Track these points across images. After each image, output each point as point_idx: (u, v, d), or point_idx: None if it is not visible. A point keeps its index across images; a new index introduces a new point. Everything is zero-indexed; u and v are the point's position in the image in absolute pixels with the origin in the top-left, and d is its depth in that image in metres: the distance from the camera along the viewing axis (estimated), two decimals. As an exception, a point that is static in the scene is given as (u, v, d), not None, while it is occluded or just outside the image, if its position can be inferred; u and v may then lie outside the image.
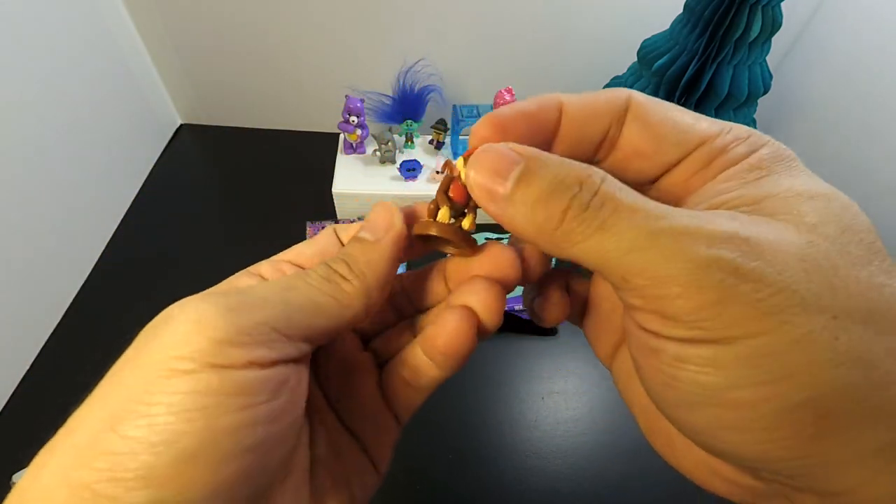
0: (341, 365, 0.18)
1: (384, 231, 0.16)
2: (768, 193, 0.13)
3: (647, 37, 0.49)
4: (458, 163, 0.15)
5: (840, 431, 0.11)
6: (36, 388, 0.43)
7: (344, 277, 0.15)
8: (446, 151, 0.63)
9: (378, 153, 0.59)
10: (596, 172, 0.12)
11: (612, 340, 0.18)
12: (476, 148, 0.14)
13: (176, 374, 0.11)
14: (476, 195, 0.14)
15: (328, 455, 0.16)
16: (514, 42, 0.64)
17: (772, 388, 0.11)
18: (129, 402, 0.11)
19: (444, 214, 0.16)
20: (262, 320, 0.13)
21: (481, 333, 0.16)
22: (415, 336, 0.18)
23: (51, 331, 0.47)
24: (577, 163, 0.13)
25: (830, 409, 0.11)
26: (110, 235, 0.56)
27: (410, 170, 0.57)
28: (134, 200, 0.60)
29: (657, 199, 0.13)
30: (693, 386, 0.12)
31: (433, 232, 0.16)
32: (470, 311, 0.16)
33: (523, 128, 0.14)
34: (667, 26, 0.47)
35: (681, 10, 0.45)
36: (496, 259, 0.16)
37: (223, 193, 0.64)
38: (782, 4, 0.41)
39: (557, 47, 0.65)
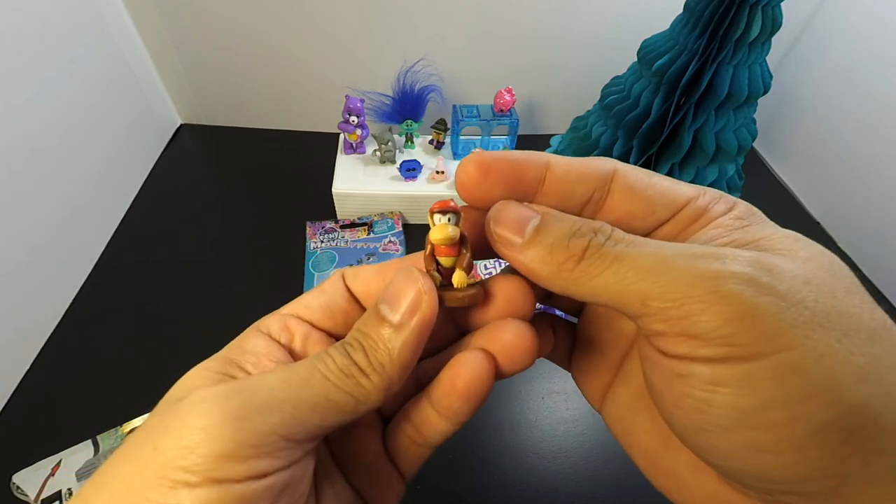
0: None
1: (410, 313, 0.14)
2: (759, 236, 0.13)
3: (647, 37, 0.49)
4: (432, 223, 0.15)
5: (863, 450, 0.11)
6: (36, 389, 0.43)
7: (363, 371, 0.14)
8: (446, 151, 0.63)
9: (378, 153, 0.59)
10: (604, 225, 0.14)
11: (602, 382, 0.18)
12: (446, 202, 0.15)
13: (178, 486, 0.11)
14: (496, 244, 0.14)
15: None
16: (514, 42, 0.64)
17: (804, 407, 0.11)
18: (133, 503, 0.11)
19: (461, 279, 0.15)
20: (271, 430, 0.12)
21: (497, 377, 0.16)
22: (419, 387, 0.18)
23: (51, 331, 0.47)
24: (587, 220, 0.14)
25: (857, 426, 0.11)
26: (110, 235, 0.56)
27: (410, 170, 0.57)
28: (134, 200, 0.60)
29: None
30: (728, 409, 0.11)
31: (461, 305, 0.15)
32: (489, 355, 0.16)
33: (508, 174, 0.15)
34: (667, 26, 0.47)
35: (681, 10, 0.45)
36: (512, 298, 0.16)
37: (223, 193, 0.64)
38: (782, 4, 0.41)
39: (557, 47, 0.65)
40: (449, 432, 0.17)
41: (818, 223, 0.65)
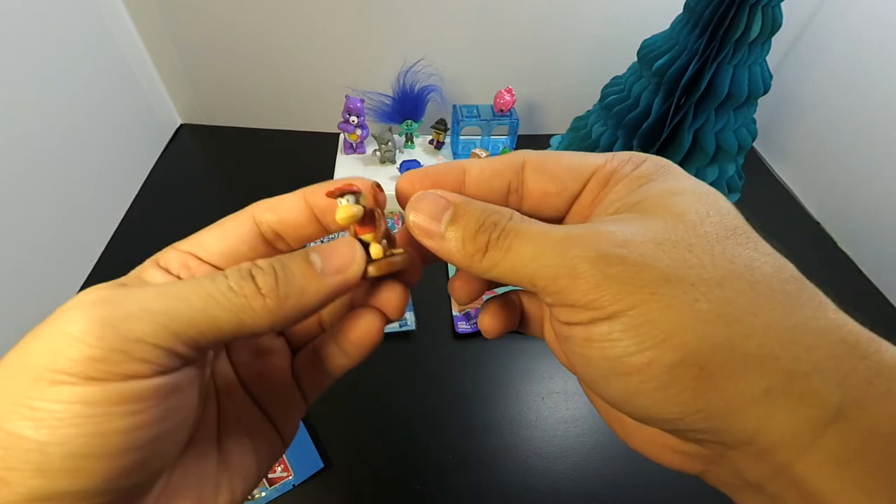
0: (256, 349, 0.19)
1: (336, 273, 0.16)
2: (644, 196, 0.15)
3: (647, 37, 0.49)
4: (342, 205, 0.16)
5: (719, 382, 0.13)
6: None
7: (260, 291, 0.14)
8: (446, 151, 0.63)
9: (378, 153, 0.59)
10: (504, 213, 0.16)
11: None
12: (343, 185, 0.16)
13: (57, 384, 0.12)
14: (416, 234, 0.16)
15: (236, 428, 0.18)
16: (514, 42, 0.64)
17: (654, 352, 0.13)
18: (12, 404, 0.12)
19: (376, 251, 0.17)
20: (138, 338, 0.12)
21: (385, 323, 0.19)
22: (323, 328, 0.20)
23: (51, 331, 0.47)
24: (492, 206, 0.16)
25: (705, 362, 0.13)
26: (110, 235, 0.56)
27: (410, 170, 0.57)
28: (134, 200, 0.60)
29: (572, 223, 0.18)
30: (601, 360, 0.14)
31: (378, 273, 0.17)
32: (380, 311, 0.18)
33: (430, 185, 0.17)
34: (667, 26, 0.47)
35: (681, 10, 0.45)
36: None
37: (223, 193, 0.64)
38: (782, 4, 0.41)
39: (557, 47, 0.65)
40: (348, 367, 0.19)
41: (818, 223, 0.65)
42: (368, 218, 0.17)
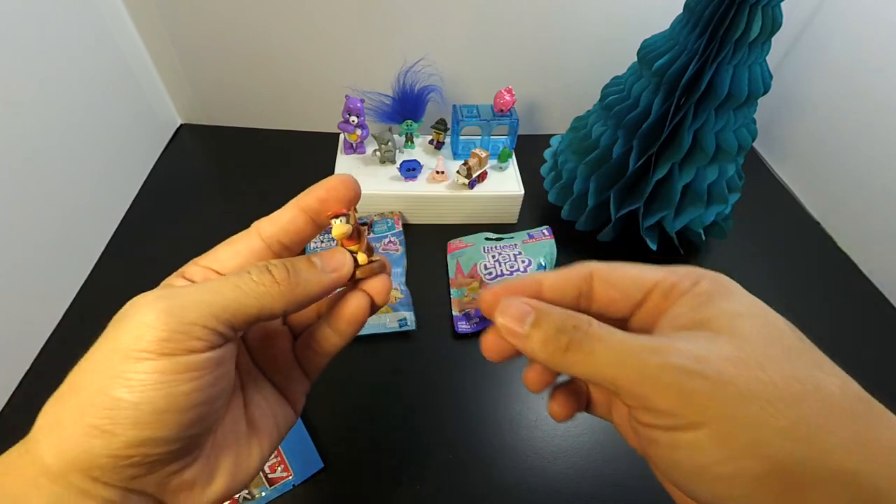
0: (265, 335, 0.23)
1: (332, 270, 0.20)
2: (710, 315, 0.17)
3: (647, 37, 0.49)
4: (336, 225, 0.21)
5: (806, 494, 0.14)
6: (36, 389, 0.43)
7: (275, 280, 0.19)
8: (446, 151, 0.63)
9: (378, 153, 0.59)
10: (582, 318, 0.18)
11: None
12: (338, 209, 0.21)
13: (141, 360, 0.16)
14: (504, 334, 0.19)
15: (258, 398, 0.22)
16: (514, 42, 0.64)
17: (742, 462, 0.14)
18: (111, 377, 0.16)
19: (362, 259, 0.22)
20: (192, 321, 0.17)
21: (372, 310, 0.22)
22: (319, 316, 0.24)
23: (51, 331, 0.47)
24: (570, 311, 0.18)
25: (791, 474, 0.14)
26: (110, 235, 0.56)
27: (410, 170, 0.57)
28: (134, 200, 0.60)
29: (635, 330, 0.20)
30: (690, 466, 0.16)
31: (362, 276, 0.22)
32: (367, 294, 0.22)
33: (511, 295, 0.20)
34: (667, 26, 0.47)
35: (681, 10, 0.45)
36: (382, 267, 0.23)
37: (223, 193, 0.64)
38: (782, 4, 0.41)
39: (557, 47, 0.65)
40: (340, 346, 0.23)
41: (818, 223, 0.65)
42: (355, 234, 0.21)
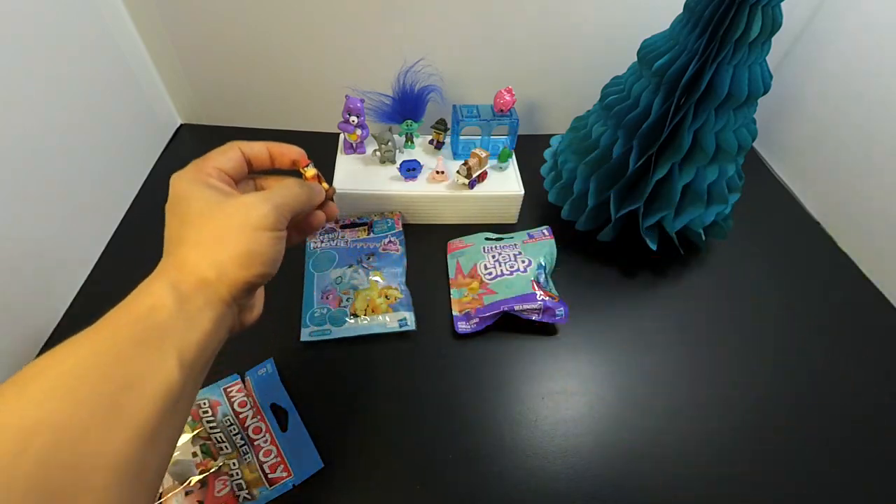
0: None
1: (319, 194, 0.36)
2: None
3: (647, 37, 0.49)
4: (303, 171, 0.37)
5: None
6: (36, 388, 0.43)
7: (311, 192, 0.34)
8: (446, 151, 0.63)
9: (378, 153, 0.59)
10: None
11: None
12: (306, 160, 0.37)
13: (263, 232, 0.29)
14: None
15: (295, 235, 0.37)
16: (514, 42, 0.64)
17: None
18: (248, 240, 0.28)
19: (326, 187, 0.37)
20: (284, 213, 0.30)
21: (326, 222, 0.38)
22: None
23: (51, 331, 0.47)
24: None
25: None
26: (110, 235, 0.56)
27: (410, 170, 0.57)
28: (134, 200, 0.60)
29: None
30: None
31: (327, 196, 0.38)
32: (324, 214, 0.38)
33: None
34: (667, 26, 0.47)
35: (681, 10, 0.45)
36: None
37: (223, 193, 0.64)
38: (782, 4, 0.41)
39: (557, 47, 0.65)
40: (301, 239, 0.38)
41: (818, 223, 0.65)
42: (320, 175, 0.37)
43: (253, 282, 0.28)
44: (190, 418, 0.40)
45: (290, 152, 0.35)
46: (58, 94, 0.48)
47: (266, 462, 0.39)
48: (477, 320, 0.49)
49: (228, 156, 0.32)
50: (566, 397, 0.46)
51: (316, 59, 0.65)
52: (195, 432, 0.40)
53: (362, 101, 0.57)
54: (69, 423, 0.19)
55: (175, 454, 0.39)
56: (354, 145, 0.60)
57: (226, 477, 0.38)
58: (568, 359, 0.49)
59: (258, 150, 0.34)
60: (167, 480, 0.37)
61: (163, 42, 0.62)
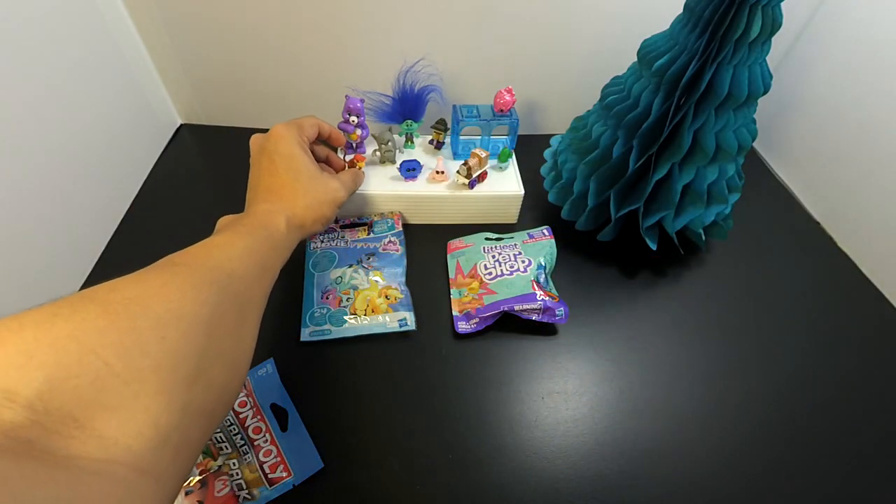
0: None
1: (355, 184, 0.53)
2: None
3: (647, 37, 0.49)
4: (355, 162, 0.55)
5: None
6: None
7: (356, 179, 0.54)
8: (446, 151, 0.63)
9: (378, 153, 0.59)
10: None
11: None
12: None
13: (335, 206, 0.47)
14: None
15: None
16: (514, 42, 0.64)
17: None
18: (322, 203, 0.45)
19: (361, 165, 0.56)
20: (346, 194, 0.48)
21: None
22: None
23: (51, 331, 0.47)
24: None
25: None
26: (110, 235, 0.56)
27: (410, 170, 0.57)
28: (134, 200, 0.60)
29: None
30: None
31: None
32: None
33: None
34: (667, 26, 0.47)
35: (681, 10, 0.45)
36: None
37: (223, 193, 0.64)
38: (782, 4, 0.41)
39: (557, 47, 0.65)
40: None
41: (818, 223, 0.65)
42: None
43: (317, 232, 0.46)
44: None
45: (342, 142, 0.54)
46: (58, 94, 0.48)
47: (266, 462, 0.39)
48: (477, 320, 0.49)
49: (314, 129, 0.49)
50: (566, 397, 0.46)
51: (316, 59, 0.65)
52: None
53: (362, 101, 0.57)
54: (247, 273, 0.34)
55: None
56: (354, 145, 0.60)
57: (226, 477, 0.38)
58: (568, 359, 0.49)
59: (328, 130, 0.51)
60: None
61: (163, 42, 0.62)
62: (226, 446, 0.40)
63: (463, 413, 0.44)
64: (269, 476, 0.39)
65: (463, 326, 0.49)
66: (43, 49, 0.46)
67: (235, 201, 0.64)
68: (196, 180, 0.65)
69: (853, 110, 0.60)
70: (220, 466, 0.39)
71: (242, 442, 0.40)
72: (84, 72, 0.51)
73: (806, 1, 0.65)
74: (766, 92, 0.45)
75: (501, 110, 0.58)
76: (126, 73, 0.59)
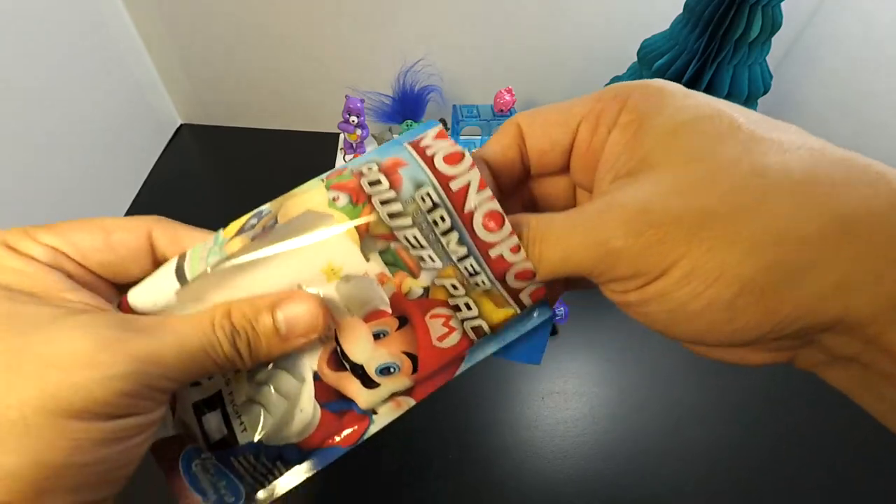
0: None
1: (300, 335, 0.17)
2: (644, 151, 0.15)
3: (647, 37, 0.49)
4: None
5: (786, 296, 0.13)
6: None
7: (242, 358, 0.16)
8: (446, 151, 0.63)
9: (378, 153, 0.59)
10: (521, 222, 0.16)
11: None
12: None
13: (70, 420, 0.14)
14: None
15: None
16: (514, 42, 0.64)
17: (709, 294, 0.14)
18: (87, 401, 0.14)
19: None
20: (159, 382, 0.15)
21: None
22: None
23: (51, 331, 0.47)
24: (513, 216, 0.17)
25: (764, 286, 0.13)
26: (110, 235, 0.56)
27: (410, 170, 0.57)
28: (134, 200, 0.60)
29: (580, 183, 0.19)
30: (662, 314, 0.15)
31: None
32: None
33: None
34: (667, 26, 0.47)
35: (681, 10, 0.45)
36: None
37: (223, 193, 0.64)
38: (782, 4, 0.41)
39: (557, 47, 0.65)
40: None
41: (818, 223, 0.65)
42: None
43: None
44: (338, 196, 0.17)
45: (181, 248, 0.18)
46: (57, 94, 0.48)
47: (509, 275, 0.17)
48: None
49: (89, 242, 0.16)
50: (566, 397, 0.46)
51: (316, 59, 0.65)
52: (364, 220, 0.17)
53: (362, 101, 0.57)
54: None
55: (338, 266, 0.18)
56: (354, 145, 0.60)
57: (444, 309, 0.19)
58: (568, 359, 0.49)
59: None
60: (338, 309, 0.18)
61: (163, 42, 0.62)
62: (429, 255, 0.18)
63: (462, 413, 0.44)
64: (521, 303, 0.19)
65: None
66: (43, 49, 0.46)
67: (235, 201, 0.64)
68: (196, 180, 0.65)
69: (853, 110, 0.60)
70: (426, 290, 0.18)
71: (463, 248, 0.17)
72: (84, 72, 0.51)
73: (806, 1, 0.65)
74: (766, 92, 0.45)
75: (501, 110, 0.58)
76: (126, 73, 0.59)
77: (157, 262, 0.17)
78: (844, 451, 0.43)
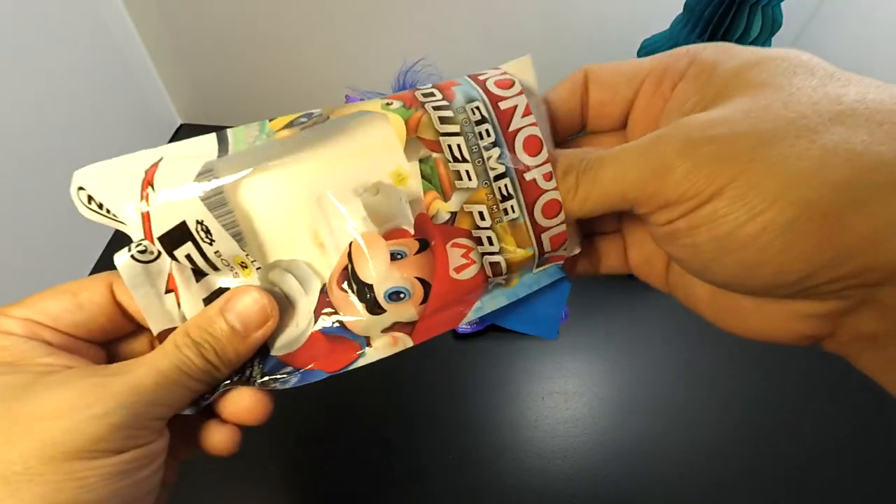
0: None
1: (256, 327, 0.17)
2: (719, 86, 0.15)
3: (647, 37, 0.49)
4: None
5: (849, 220, 0.12)
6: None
7: (216, 368, 0.17)
8: (446, 151, 0.63)
9: (378, 153, 0.59)
10: (587, 151, 0.17)
11: (658, 270, 0.20)
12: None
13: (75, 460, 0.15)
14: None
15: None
16: (514, 42, 0.64)
17: (766, 215, 0.12)
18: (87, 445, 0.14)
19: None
20: (158, 415, 0.16)
21: None
22: None
23: (51, 331, 0.47)
24: (578, 150, 0.17)
25: (827, 207, 0.12)
26: (110, 236, 0.56)
27: (410, 170, 0.57)
28: (134, 200, 0.60)
29: (633, 133, 0.19)
30: (710, 243, 0.14)
31: None
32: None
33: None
34: (667, 26, 0.47)
35: (681, 10, 0.45)
36: None
37: (223, 193, 0.64)
38: (782, 4, 0.41)
39: (557, 47, 0.65)
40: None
41: (818, 223, 0.65)
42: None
43: None
44: (392, 102, 0.20)
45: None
46: (57, 94, 0.48)
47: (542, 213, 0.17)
48: (477, 320, 0.49)
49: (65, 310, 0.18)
50: (566, 397, 0.46)
51: (316, 58, 0.65)
52: (415, 112, 0.18)
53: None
54: None
55: (362, 172, 0.19)
56: (354, 145, 0.60)
57: (466, 240, 0.18)
58: (568, 359, 0.49)
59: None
60: (355, 223, 0.18)
61: (163, 42, 0.62)
62: (467, 171, 0.17)
63: (462, 413, 0.44)
64: (546, 250, 0.18)
65: (463, 326, 0.49)
66: (42, 49, 0.46)
67: (235, 201, 0.64)
68: (196, 180, 0.65)
69: (853, 110, 0.60)
70: (453, 215, 0.18)
71: (502, 168, 0.17)
72: (84, 72, 0.51)
73: (806, 1, 0.65)
74: (766, 92, 0.45)
75: (501, 110, 0.58)
76: (126, 73, 0.59)
77: (124, 313, 0.19)
78: (845, 451, 0.43)
